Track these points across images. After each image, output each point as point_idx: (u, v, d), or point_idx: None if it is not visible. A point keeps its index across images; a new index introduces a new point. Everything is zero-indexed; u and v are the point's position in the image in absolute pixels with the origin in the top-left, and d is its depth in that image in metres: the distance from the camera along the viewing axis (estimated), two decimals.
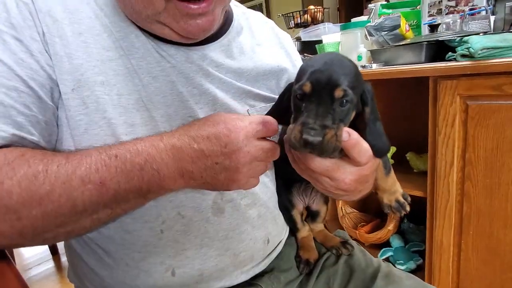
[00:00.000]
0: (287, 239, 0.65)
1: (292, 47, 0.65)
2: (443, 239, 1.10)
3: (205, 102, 0.49)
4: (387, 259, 1.38)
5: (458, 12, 1.87)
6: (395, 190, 0.50)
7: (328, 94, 0.36)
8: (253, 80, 0.55)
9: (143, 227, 0.48)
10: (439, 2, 3.57)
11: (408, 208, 0.50)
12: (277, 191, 0.62)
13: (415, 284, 0.55)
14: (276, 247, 0.61)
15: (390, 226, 1.39)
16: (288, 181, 0.62)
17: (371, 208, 1.69)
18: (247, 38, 0.57)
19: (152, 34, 0.46)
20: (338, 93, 0.36)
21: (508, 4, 2.55)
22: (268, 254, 0.59)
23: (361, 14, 1.82)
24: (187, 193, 0.48)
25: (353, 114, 0.39)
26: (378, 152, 0.40)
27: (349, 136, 0.36)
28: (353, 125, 0.40)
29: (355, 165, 0.39)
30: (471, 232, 1.05)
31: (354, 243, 0.65)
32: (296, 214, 0.64)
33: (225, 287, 0.54)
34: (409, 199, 0.51)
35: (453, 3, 3.42)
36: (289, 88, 0.44)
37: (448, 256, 1.11)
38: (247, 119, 0.41)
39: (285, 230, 0.66)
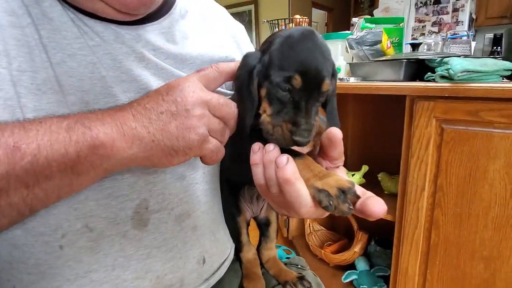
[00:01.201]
0: (231, 264, 0.57)
1: (245, 39, 0.58)
2: (409, 267, 1.05)
3: (136, 91, 0.41)
4: (350, 283, 1.32)
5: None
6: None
7: (317, 89, 0.35)
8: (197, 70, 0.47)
9: (37, 240, 0.38)
10: (422, 27, 3.65)
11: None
12: (221, 196, 0.54)
13: None
14: (216, 271, 0.53)
15: (357, 248, 1.33)
16: (235, 185, 0.54)
17: (339, 227, 1.63)
18: (193, 23, 0.49)
19: (78, 8, 0.38)
20: (325, 87, 0.35)
21: (487, 35, 2.60)
22: (206, 279, 0.51)
23: (347, 30, 1.79)
24: (100, 200, 0.39)
25: None
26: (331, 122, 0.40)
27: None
28: None
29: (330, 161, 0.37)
30: (437, 262, 1.00)
31: (312, 277, 0.58)
32: (242, 222, 0.57)
33: None
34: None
35: (435, 29, 3.50)
36: (249, 72, 0.37)
37: (413, 285, 1.06)
38: None
39: (228, 250, 0.57)
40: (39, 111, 0.35)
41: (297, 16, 2.19)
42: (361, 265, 1.34)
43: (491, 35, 2.60)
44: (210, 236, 0.51)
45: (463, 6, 3.25)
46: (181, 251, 0.46)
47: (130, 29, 0.41)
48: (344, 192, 0.31)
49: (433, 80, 0.93)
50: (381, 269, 1.32)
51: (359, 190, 0.33)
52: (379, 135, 1.45)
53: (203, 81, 0.37)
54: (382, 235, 1.39)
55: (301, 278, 0.56)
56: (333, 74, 0.38)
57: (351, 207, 0.31)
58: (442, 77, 0.89)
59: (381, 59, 1.09)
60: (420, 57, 0.98)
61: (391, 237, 1.12)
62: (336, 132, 0.35)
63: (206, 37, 0.50)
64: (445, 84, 0.88)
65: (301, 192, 0.31)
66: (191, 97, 0.35)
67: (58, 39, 0.37)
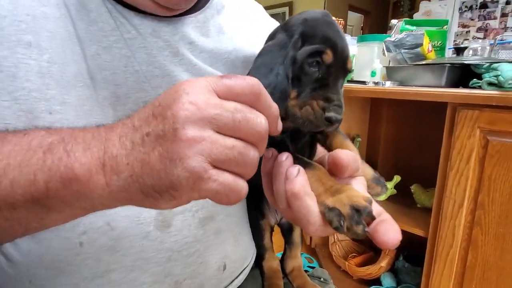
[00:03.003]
0: (250, 271, 0.54)
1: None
2: None
3: (167, 87, 0.38)
4: None
5: None
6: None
7: (343, 66, 0.35)
8: (231, 66, 0.45)
9: (57, 236, 0.37)
10: (466, 32, 3.45)
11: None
12: (246, 200, 0.51)
13: None
14: (235, 278, 0.50)
15: (383, 263, 1.26)
16: (258, 188, 0.51)
17: (365, 239, 1.56)
18: (229, 18, 0.48)
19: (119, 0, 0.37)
20: (350, 64, 0.35)
21: None
22: (225, 287, 0.48)
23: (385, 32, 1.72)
24: None
25: None
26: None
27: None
28: None
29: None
30: (473, 286, 0.92)
31: None
32: (266, 225, 0.53)
33: None
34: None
35: (481, 35, 3.28)
36: (282, 49, 0.34)
37: None
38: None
39: (250, 257, 0.55)
40: (66, 105, 0.35)
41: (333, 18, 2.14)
42: (387, 281, 1.26)
43: None
44: (232, 241, 0.49)
45: None
46: (202, 256, 0.44)
47: (167, 22, 0.40)
48: (359, 211, 0.27)
49: (479, 87, 0.85)
50: (408, 287, 1.24)
51: (376, 209, 0.29)
52: (414, 144, 1.37)
53: (221, 91, 0.25)
54: (412, 251, 1.31)
55: None
56: None
57: (366, 229, 0.27)
58: (490, 84, 0.81)
59: (421, 63, 1.02)
60: (466, 62, 0.90)
61: (421, 254, 1.04)
62: (341, 156, 0.31)
63: (241, 33, 0.48)
64: (493, 92, 0.80)
65: (310, 209, 0.27)
66: (185, 110, 0.23)
67: (95, 31, 0.37)
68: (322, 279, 0.59)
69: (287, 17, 4.68)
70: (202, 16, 0.44)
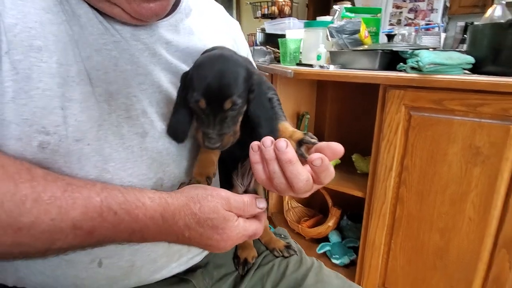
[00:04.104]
0: None
1: (241, 36, 0.64)
2: (376, 238, 1.18)
3: (150, 84, 0.46)
4: (324, 253, 1.45)
5: (415, 25, 1.98)
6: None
7: (220, 106, 0.41)
8: None
9: None
10: (399, 13, 3.75)
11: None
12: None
13: (342, 283, 0.57)
14: None
15: (331, 222, 1.45)
16: (228, 162, 0.61)
17: (315, 204, 1.75)
18: (197, 20, 0.54)
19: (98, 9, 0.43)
20: (227, 105, 0.41)
21: (459, 23, 2.74)
22: (197, 255, 0.58)
23: (327, 13, 1.85)
24: (123, 178, 0.45)
25: (244, 108, 0.45)
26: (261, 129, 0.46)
27: (322, 162, 0.37)
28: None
29: (318, 183, 0.40)
30: (400, 233, 1.13)
31: (294, 245, 0.66)
32: None
33: (155, 281, 0.52)
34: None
35: (411, 16, 3.61)
36: (185, 83, 0.46)
37: (379, 254, 1.19)
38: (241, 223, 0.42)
39: None
40: (73, 101, 0.40)
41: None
42: (334, 237, 1.47)
43: (462, 24, 2.73)
44: None
45: None
46: None
47: (143, 27, 0.46)
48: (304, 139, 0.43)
49: (404, 71, 1.02)
50: (351, 241, 1.45)
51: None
52: (354, 119, 1.55)
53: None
54: (354, 210, 1.52)
55: (288, 247, 0.64)
56: (251, 90, 0.44)
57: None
58: (412, 68, 0.98)
59: (358, 48, 1.17)
60: (394, 49, 1.06)
61: (361, 212, 1.23)
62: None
63: (207, 33, 0.55)
64: (414, 75, 0.97)
65: (300, 169, 0.38)
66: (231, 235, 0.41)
67: (86, 35, 0.42)
68: (282, 235, 0.71)
69: None
70: (173, 19, 0.50)
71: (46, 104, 0.38)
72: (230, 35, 0.60)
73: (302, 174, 0.38)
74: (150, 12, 0.42)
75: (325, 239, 1.50)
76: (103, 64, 0.43)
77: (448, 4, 3.66)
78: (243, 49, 0.64)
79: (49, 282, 0.46)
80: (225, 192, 0.41)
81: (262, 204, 0.42)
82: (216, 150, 0.45)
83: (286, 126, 0.47)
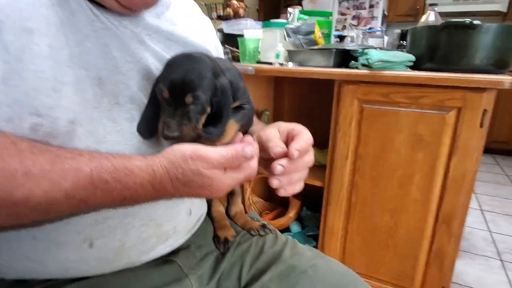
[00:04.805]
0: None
1: (214, 33, 0.67)
2: (334, 224, 1.27)
3: (138, 71, 0.48)
4: None
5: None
6: None
7: (181, 99, 0.43)
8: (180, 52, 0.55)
9: None
10: (344, 20, 4.00)
11: None
12: None
13: (316, 254, 0.63)
14: (197, 221, 0.62)
15: (291, 214, 1.52)
16: None
17: (275, 198, 1.81)
18: (176, 12, 0.56)
19: None
20: (188, 99, 0.43)
21: (396, 30, 3.01)
22: (190, 229, 0.60)
23: (278, 17, 1.94)
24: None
25: (208, 108, 0.46)
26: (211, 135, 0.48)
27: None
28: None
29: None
30: (356, 217, 1.23)
31: (270, 226, 0.70)
32: None
33: (143, 262, 0.52)
34: None
35: (355, 22, 3.87)
36: (157, 79, 0.48)
37: (337, 239, 1.28)
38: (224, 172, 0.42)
39: (205, 205, 0.67)
40: (66, 84, 0.40)
41: (234, 2, 2.28)
42: (295, 227, 1.54)
43: (398, 31, 3.01)
44: None
45: (377, 3, 3.65)
46: (175, 203, 0.54)
47: (128, 16, 0.47)
48: None
49: (356, 68, 1.12)
50: (311, 229, 1.53)
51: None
52: (310, 114, 1.64)
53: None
54: (312, 201, 1.61)
55: (264, 226, 0.68)
56: (215, 94, 0.46)
57: None
58: (363, 65, 1.08)
59: (315, 47, 1.25)
60: (346, 48, 1.16)
61: (319, 202, 1.32)
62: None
63: (187, 26, 0.57)
64: (365, 71, 1.07)
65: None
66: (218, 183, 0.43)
67: (75, 21, 0.42)
68: (255, 218, 0.75)
69: None
70: (155, 11, 0.52)
71: (38, 86, 0.38)
72: (207, 32, 0.63)
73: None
74: (141, 2, 0.44)
75: (287, 230, 1.56)
76: (93, 50, 0.44)
77: (386, 13, 4.00)
78: (218, 47, 0.67)
79: (35, 267, 0.45)
80: (205, 151, 0.40)
81: (249, 151, 0.42)
82: (174, 141, 0.44)
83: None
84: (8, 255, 0.44)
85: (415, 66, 1.12)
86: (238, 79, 0.52)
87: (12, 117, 0.37)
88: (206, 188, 0.41)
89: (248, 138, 0.52)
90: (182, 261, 0.56)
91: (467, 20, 0.98)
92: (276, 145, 0.48)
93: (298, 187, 0.48)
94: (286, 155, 0.46)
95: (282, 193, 0.47)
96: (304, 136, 0.49)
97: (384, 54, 1.05)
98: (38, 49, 0.39)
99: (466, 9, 3.56)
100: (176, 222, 0.55)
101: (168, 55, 0.51)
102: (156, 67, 0.49)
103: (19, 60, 0.38)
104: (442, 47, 1.03)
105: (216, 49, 0.65)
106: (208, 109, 0.46)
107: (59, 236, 0.44)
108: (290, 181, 0.47)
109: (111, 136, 0.45)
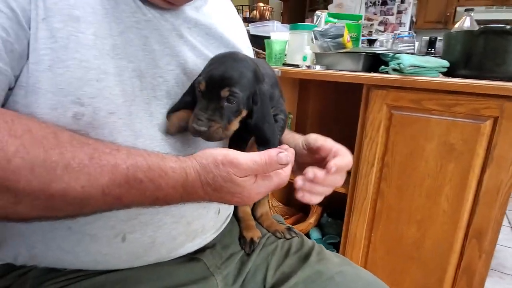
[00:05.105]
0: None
1: (246, 33, 0.66)
2: (357, 232, 1.23)
3: (176, 65, 0.48)
4: None
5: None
6: None
7: (216, 93, 0.42)
8: (221, 47, 0.55)
9: None
10: (370, 25, 3.95)
11: None
12: None
13: (342, 260, 0.61)
14: (224, 221, 0.62)
15: (312, 219, 1.49)
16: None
17: (295, 203, 1.79)
18: (213, 9, 0.56)
19: None
20: (224, 93, 0.42)
21: (424, 38, 2.94)
22: (218, 228, 0.60)
23: (302, 21, 1.93)
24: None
25: (244, 111, 0.44)
26: (260, 144, 0.47)
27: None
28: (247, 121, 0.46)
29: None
30: (380, 226, 1.19)
31: (296, 230, 0.69)
32: None
33: (171, 258, 0.52)
34: None
35: (381, 28, 3.80)
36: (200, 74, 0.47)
37: (360, 247, 1.24)
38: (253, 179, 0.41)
39: (232, 205, 0.67)
40: (109, 74, 0.41)
41: (261, 4, 2.28)
42: (315, 234, 1.51)
43: (427, 38, 2.94)
44: None
45: (406, 9, 3.58)
46: (205, 202, 0.54)
47: (168, 9, 0.48)
48: None
49: (386, 72, 1.09)
50: (331, 237, 1.50)
51: None
52: (334, 119, 1.62)
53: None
54: (333, 208, 1.57)
55: (289, 229, 0.67)
56: (255, 101, 0.45)
57: None
58: (394, 70, 1.05)
59: (343, 51, 1.23)
60: (377, 52, 1.13)
61: (341, 210, 1.28)
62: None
63: (223, 23, 0.57)
64: (396, 76, 1.04)
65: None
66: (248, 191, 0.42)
67: (119, 10, 0.43)
68: (280, 221, 0.74)
69: None
70: (194, 5, 0.52)
71: (82, 75, 0.39)
72: (240, 29, 0.63)
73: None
74: None
75: (306, 235, 1.53)
76: (134, 41, 0.44)
77: (414, 19, 3.92)
78: (249, 45, 0.66)
79: (67, 258, 0.45)
80: (235, 156, 0.39)
81: (285, 159, 0.40)
82: (200, 137, 0.43)
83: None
84: (42, 244, 0.45)
85: (448, 73, 1.08)
86: (274, 85, 0.51)
87: (57, 105, 0.38)
88: (236, 195, 0.40)
89: (283, 144, 0.50)
90: (208, 260, 0.56)
91: (507, 26, 0.94)
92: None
93: (315, 200, 0.47)
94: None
95: (299, 195, 0.46)
96: (346, 158, 0.48)
97: (417, 59, 1.02)
98: (84, 38, 0.39)
99: (500, 17, 3.45)
100: (205, 221, 0.55)
101: (206, 50, 0.51)
102: (194, 62, 0.49)
103: (65, 48, 0.38)
104: (479, 53, 0.99)
105: (248, 50, 0.64)
106: (244, 112, 0.44)
107: (93, 229, 0.45)
108: (312, 189, 0.46)
109: (147, 130, 0.44)
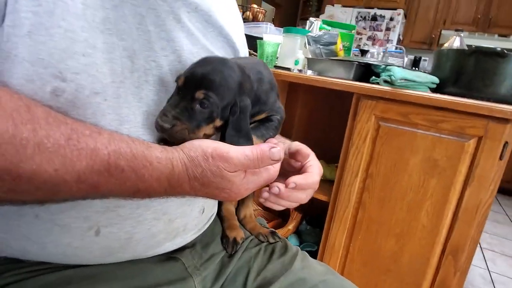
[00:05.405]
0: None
1: (243, 30, 0.63)
2: (336, 241, 1.22)
3: (172, 51, 0.44)
4: None
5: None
6: None
7: (191, 93, 0.39)
8: (219, 37, 0.51)
9: None
10: (359, 39, 4.04)
11: None
12: None
13: (326, 269, 0.58)
14: (207, 221, 0.58)
15: (291, 226, 1.47)
16: None
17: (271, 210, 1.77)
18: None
19: None
20: (198, 94, 0.39)
21: (409, 56, 3.01)
22: (200, 228, 0.56)
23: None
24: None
25: (218, 121, 0.42)
26: None
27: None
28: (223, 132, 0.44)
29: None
30: (359, 237, 1.18)
31: (279, 234, 0.66)
32: None
33: (148, 256, 0.48)
34: None
35: (369, 43, 3.90)
36: None
37: (337, 257, 1.23)
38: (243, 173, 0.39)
39: (216, 205, 0.63)
40: (97, 50, 0.37)
41: (255, 6, 2.27)
42: (293, 241, 1.49)
43: (412, 57, 3.01)
44: None
45: (394, 27, 3.67)
46: (190, 199, 0.50)
47: None
48: None
49: (377, 83, 1.09)
50: (309, 245, 1.48)
51: None
52: (321, 127, 1.61)
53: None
54: (313, 215, 1.56)
55: (273, 233, 0.64)
56: (232, 112, 0.42)
57: None
58: (385, 81, 1.05)
59: (336, 58, 1.23)
60: (369, 62, 1.13)
61: (320, 218, 1.27)
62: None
63: (223, 14, 0.53)
64: (387, 88, 1.04)
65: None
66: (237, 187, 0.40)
67: None
68: (263, 225, 0.71)
69: None
70: None
71: (66, 47, 0.34)
72: (239, 24, 0.60)
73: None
74: None
75: None
76: (128, 19, 0.40)
77: (401, 38, 4.02)
78: (245, 43, 0.64)
79: (33, 249, 0.41)
80: (227, 150, 0.37)
81: (277, 155, 0.39)
82: (162, 134, 0.40)
83: None
84: (4, 232, 0.40)
85: (437, 89, 1.09)
86: (269, 91, 0.48)
87: (34, 77, 0.33)
88: (225, 191, 0.38)
89: (272, 139, 0.48)
90: (187, 260, 0.52)
91: (497, 48, 0.96)
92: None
93: (278, 208, 0.47)
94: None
95: (263, 202, 0.46)
96: (310, 178, 0.46)
97: (408, 73, 1.03)
98: (72, 5, 0.35)
99: (482, 43, 3.59)
100: (187, 220, 0.51)
101: (204, 38, 0.48)
102: (190, 51, 0.46)
103: (50, 13, 0.34)
104: (469, 72, 1.01)
105: (244, 48, 0.61)
106: (218, 122, 0.42)
107: (64, 219, 0.40)
108: (276, 202, 0.45)
109: (135, 116, 0.41)
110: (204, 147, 0.37)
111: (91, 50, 0.36)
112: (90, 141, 0.32)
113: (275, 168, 0.42)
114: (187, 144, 0.38)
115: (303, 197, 0.47)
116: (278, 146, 0.40)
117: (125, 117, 0.40)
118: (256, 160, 0.38)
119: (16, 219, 0.39)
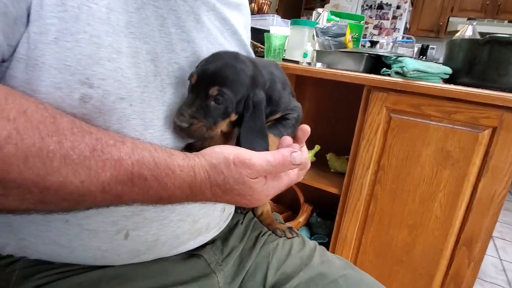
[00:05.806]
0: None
1: (249, 23, 0.63)
2: (348, 233, 1.23)
3: (192, 52, 0.44)
4: None
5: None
6: None
7: (205, 90, 0.39)
8: (234, 36, 0.52)
9: None
10: (365, 28, 4.00)
11: None
12: None
13: (345, 263, 0.59)
14: (227, 218, 0.59)
15: (301, 218, 1.48)
16: None
17: (284, 201, 1.78)
18: None
19: None
20: (213, 91, 0.39)
21: (416, 45, 2.97)
22: (221, 226, 0.57)
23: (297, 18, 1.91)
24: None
25: (233, 115, 0.42)
26: None
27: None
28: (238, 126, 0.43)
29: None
30: (372, 229, 1.18)
31: (296, 230, 0.67)
32: None
33: (170, 255, 0.49)
34: None
35: (376, 32, 3.84)
36: None
37: (349, 249, 1.23)
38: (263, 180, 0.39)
39: None
40: (121, 54, 0.37)
41: None
42: (303, 233, 1.49)
43: (419, 45, 2.97)
44: None
45: (401, 15, 3.61)
46: None
47: None
48: None
49: (388, 75, 1.08)
50: (320, 237, 1.49)
51: None
52: (330, 119, 1.60)
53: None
54: (323, 208, 1.57)
55: (290, 229, 0.65)
56: (247, 107, 0.42)
57: None
58: (397, 73, 1.04)
59: (346, 50, 1.21)
60: (380, 53, 1.12)
61: (331, 210, 1.28)
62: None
63: (237, 13, 0.54)
64: (398, 79, 1.03)
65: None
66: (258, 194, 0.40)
67: None
68: (278, 220, 0.72)
69: None
70: None
71: (92, 52, 0.34)
72: (247, 19, 0.60)
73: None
74: None
75: None
76: (150, 21, 0.40)
77: (408, 26, 3.96)
78: (249, 36, 0.63)
79: (62, 252, 0.42)
80: (249, 157, 0.37)
81: (298, 159, 0.39)
82: (182, 133, 0.41)
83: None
84: (34, 237, 0.41)
85: (450, 80, 1.08)
86: (281, 91, 0.48)
87: (62, 84, 0.34)
88: (246, 197, 0.38)
89: (294, 144, 0.48)
90: (209, 256, 0.53)
91: (508, 34, 0.94)
92: None
93: None
94: None
95: None
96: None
97: (420, 64, 1.02)
98: (97, 9, 0.35)
99: (491, 30, 3.52)
100: (210, 219, 0.52)
101: (221, 36, 0.48)
102: (208, 51, 0.46)
103: (75, 19, 0.34)
104: (482, 62, 0.99)
105: (248, 40, 0.61)
106: (233, 116, 0.42)
107: (93, 224, 0.41)
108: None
109: (159, 121, 0.41)
110: (226, 153, 0.37)
111: (116, 55, 0.36)
112: (114, 151, 0.32)
113: (295, 172, 0.42)
114: (207, 151, 0.38)
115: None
116: (295, 147, 0.40)
117: (149, 122, 0.40)
118: (278, 166, 0.38)
119: (46, 225, 0.40)
